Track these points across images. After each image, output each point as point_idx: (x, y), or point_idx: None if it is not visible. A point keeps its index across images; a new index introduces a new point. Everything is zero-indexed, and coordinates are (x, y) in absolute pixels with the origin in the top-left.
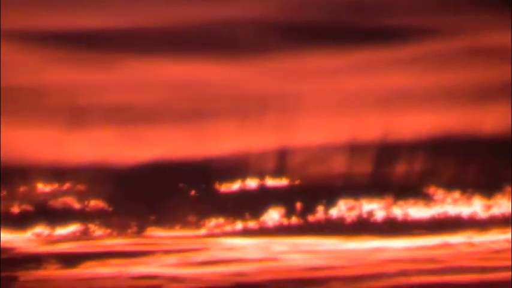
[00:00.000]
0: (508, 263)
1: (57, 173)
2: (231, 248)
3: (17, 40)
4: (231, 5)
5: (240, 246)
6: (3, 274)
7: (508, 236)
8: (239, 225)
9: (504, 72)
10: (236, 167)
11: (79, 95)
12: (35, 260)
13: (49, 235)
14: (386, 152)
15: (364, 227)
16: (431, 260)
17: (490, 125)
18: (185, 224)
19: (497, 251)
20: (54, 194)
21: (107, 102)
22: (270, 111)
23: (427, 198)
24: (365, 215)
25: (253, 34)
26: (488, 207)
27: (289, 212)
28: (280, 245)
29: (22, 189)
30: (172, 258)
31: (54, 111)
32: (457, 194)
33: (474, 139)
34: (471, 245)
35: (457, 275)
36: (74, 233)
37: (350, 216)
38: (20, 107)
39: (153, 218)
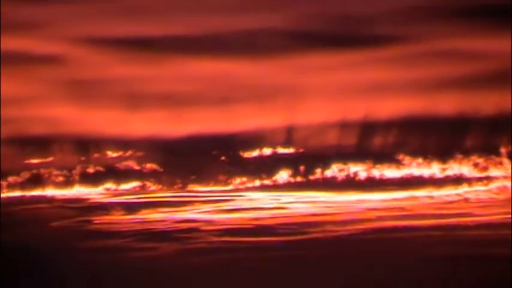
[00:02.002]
0: (458, 211)
1: (122, 143)
2: (251, 199)
3: (91, 44)
4: (254, 16)
5: (257, 198)
6: (81, 218)
7: (458, 190)
8: (257, 182)
9: (454, 69)
10: (255, 139)
11: (138, 86)
12: (104, 208)
13: (115, 189)
14: (368, 128)
15: (350, 184)
16: (400, 209)
17: (444, 109)
18: (217, 182)
19: (450, 202)
20: (119, 159)
21: (159, 90)
22: (280, 97)
23: (398, 163)
24: (351, 175)
25: (268, 39)
26: (444, 170)
27: (295, 172)
28: (288, 197)
29: (96, 155)
30: (207, 207)
31: (119, 97)
32: (420, 160)
33: (433, 119)
34: (430, 197)
35: (419, 220)
36: (134, 188)
37: (340, 176)
38: (93, 95)
39: (193, 177)
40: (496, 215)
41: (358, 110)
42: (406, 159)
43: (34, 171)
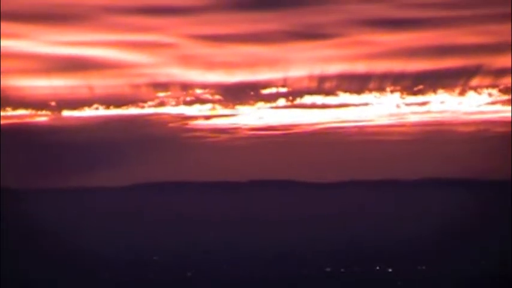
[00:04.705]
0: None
1: (204, 86)
2: (264, 113)
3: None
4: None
5: (267, 113)
6: (183, 122)
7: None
8: (268, 105)
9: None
10: (268, 84)
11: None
12: (193, 117)
13: (199, 109)
14: (323, 79)
15: (314, 106)
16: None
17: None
18: (249, 105)
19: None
20: (202, 93)
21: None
22: (281, 65)
23: (337, 96)
24: (316, 103)
25: (273, 36)
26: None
27: (287, 100)
28: (283, 112)
29: (184, 93)
30: (246, 117)
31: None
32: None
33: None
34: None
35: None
36: (208, 108)
37: (309, 103)
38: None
39: (238, 102)
40: None
41: (320, 69)
42: (342, 95)
43: (160, 100)
